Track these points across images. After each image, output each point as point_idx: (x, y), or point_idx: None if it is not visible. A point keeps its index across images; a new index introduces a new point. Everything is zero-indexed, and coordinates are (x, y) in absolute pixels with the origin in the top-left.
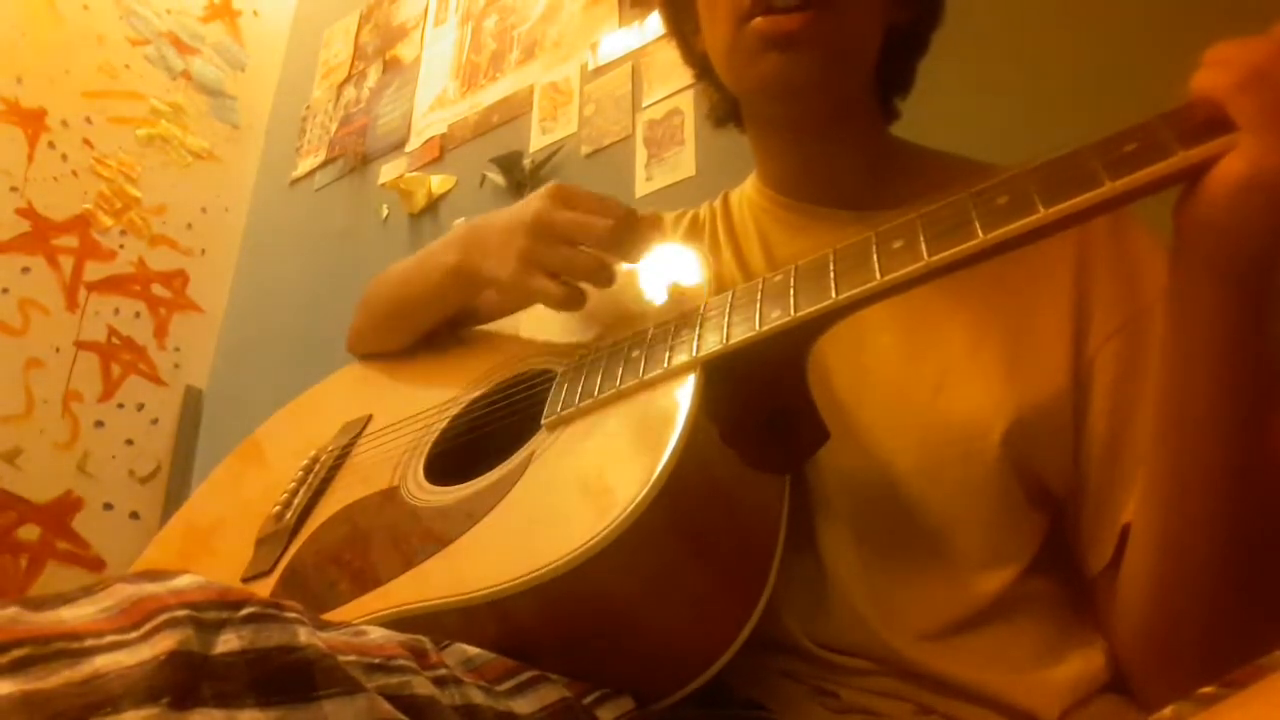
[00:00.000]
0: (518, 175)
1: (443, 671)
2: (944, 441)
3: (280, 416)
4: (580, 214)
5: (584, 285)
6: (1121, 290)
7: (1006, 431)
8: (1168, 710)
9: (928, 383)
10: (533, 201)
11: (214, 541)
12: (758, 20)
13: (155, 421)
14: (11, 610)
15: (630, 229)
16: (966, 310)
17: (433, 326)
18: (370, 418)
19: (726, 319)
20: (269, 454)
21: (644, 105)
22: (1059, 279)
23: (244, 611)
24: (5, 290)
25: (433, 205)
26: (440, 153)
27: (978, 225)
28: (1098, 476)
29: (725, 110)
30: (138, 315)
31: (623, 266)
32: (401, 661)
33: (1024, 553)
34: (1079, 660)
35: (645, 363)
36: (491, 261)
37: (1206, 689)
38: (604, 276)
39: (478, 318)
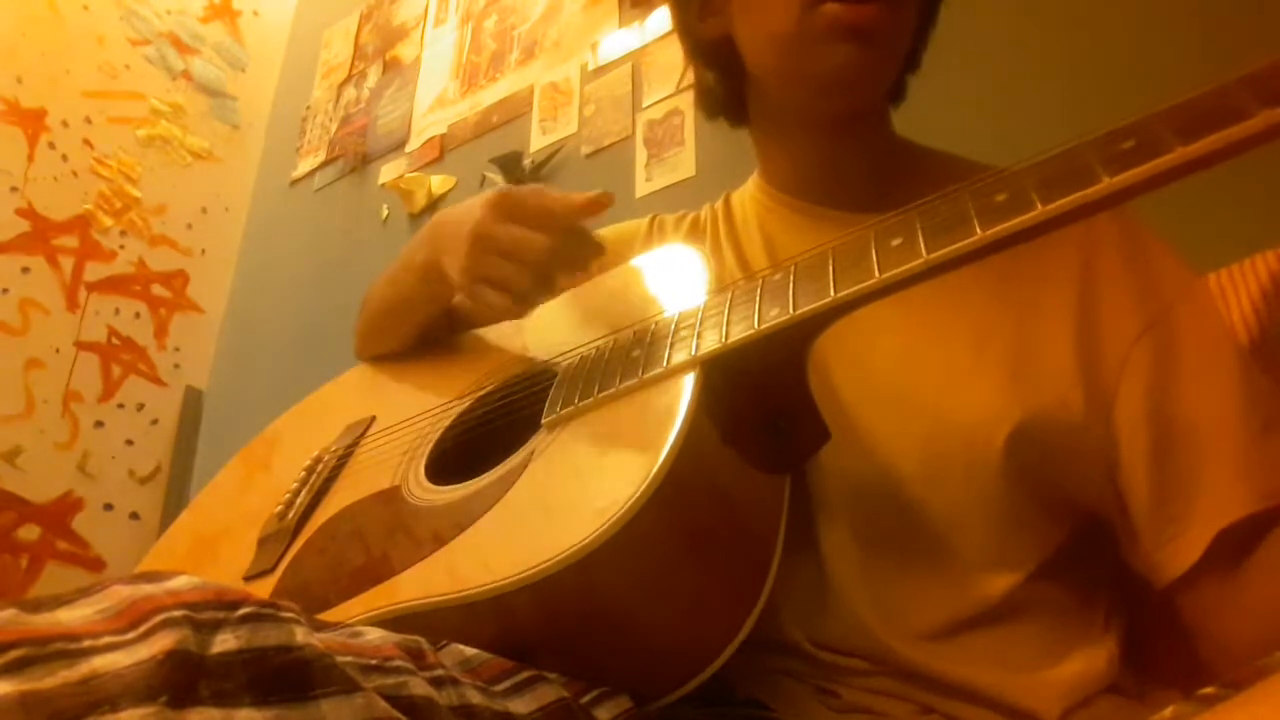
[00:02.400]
0: (518, 175)
1: (440, 672)
2: (947, 445)
3: (285, 419)
4: (519, 229)
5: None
6: (1139, 292)
7: (1010, 436)
8: (1168, 710)
9: (931, 386)
10: (475, 209)
11: (218, 542)
12: (832, 6)
13: (155, 421)
14: (9, 612)
15: (572, 244)
16: (970, 313)
17: (427, 323)
18: (373, 419)
19: (725, 318)
20: (273, 456)
21: (644, 105)
22: (1063, 282)
23: (241, 611)
24: (5, 290)
25: (433, 205)
26: (440, 153)
27: (976, 223)
28: (1153, 483)
29: (722, 101)
30: (138, 315)
31: (630, 263)
32: (398, 662)
33: (1030, 559)
34: (1081, 660)
35: (645, 362)
36: (447, 260)
37: (1207, 689)
38: (545, 291)
39: (477, 320)
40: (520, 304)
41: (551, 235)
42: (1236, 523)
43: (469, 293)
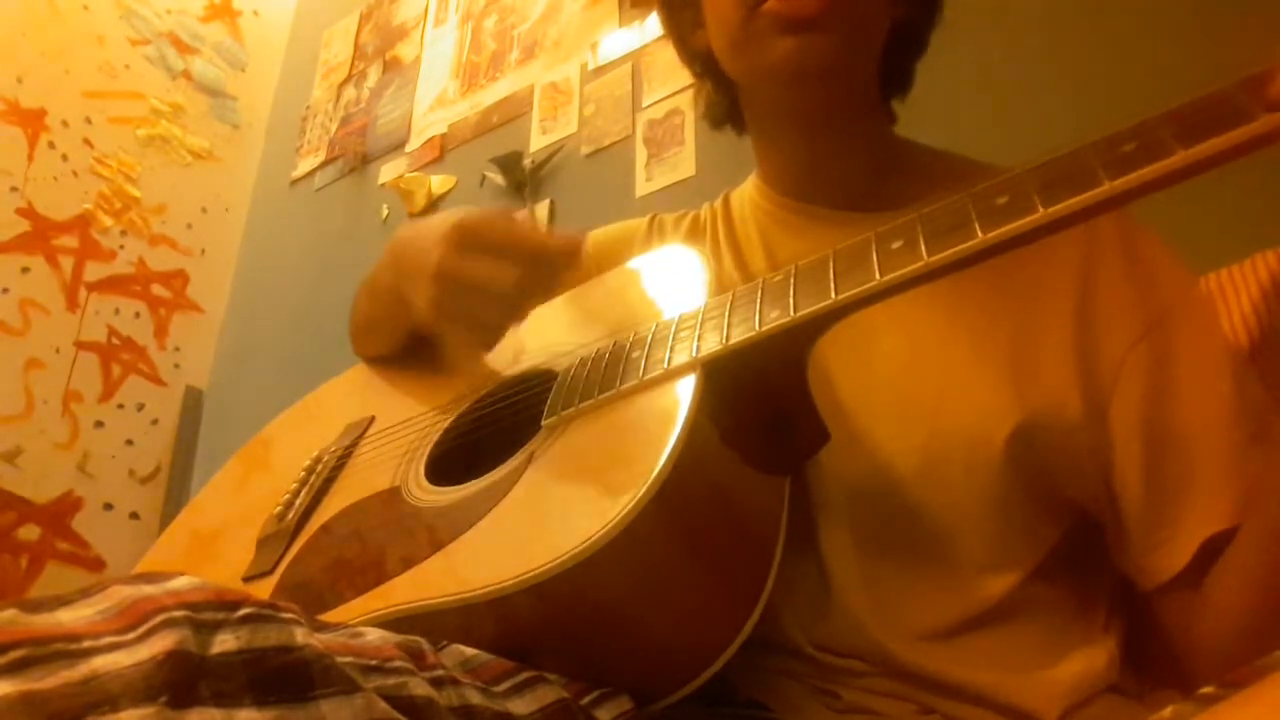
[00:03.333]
0: (518, 175)
1: (440, 672)
2: (947, 445)
3: (284, 419)
4: (484, 262)
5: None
6: (1138, 296)
7: (1010, 436)
8: (1167, 710)
9: (931, 388)
10: (435, 239)
11: (217, 542)
12: (772, 3)
13: (155, 421)
14: (9, 612)
15: (542, 268)
16: (970, 315)
17: (409, 335)
18: (373, 419)
19: (726, 319)
20: (272, 456)
21: (644, 105)
22: (1064, 283)
23: (241, 612)
24: (5, 290)
25: (433, 205)
26: (440, 153)
27: (977, 225)
28: (1146, 488)
29: (724, 110)
30: (138, 315)
31: (630, 264)
32: (399, 663)
33: (1028, 559)
34: (1081, 660)
35: (645, 363)
36: (411, 292)
37: (1206, 689)
38: (516, 319)
39: (448, 352)
40: (490, 335)
41: (518, 264)
42: (1218, 533)
43: (439, 330)
